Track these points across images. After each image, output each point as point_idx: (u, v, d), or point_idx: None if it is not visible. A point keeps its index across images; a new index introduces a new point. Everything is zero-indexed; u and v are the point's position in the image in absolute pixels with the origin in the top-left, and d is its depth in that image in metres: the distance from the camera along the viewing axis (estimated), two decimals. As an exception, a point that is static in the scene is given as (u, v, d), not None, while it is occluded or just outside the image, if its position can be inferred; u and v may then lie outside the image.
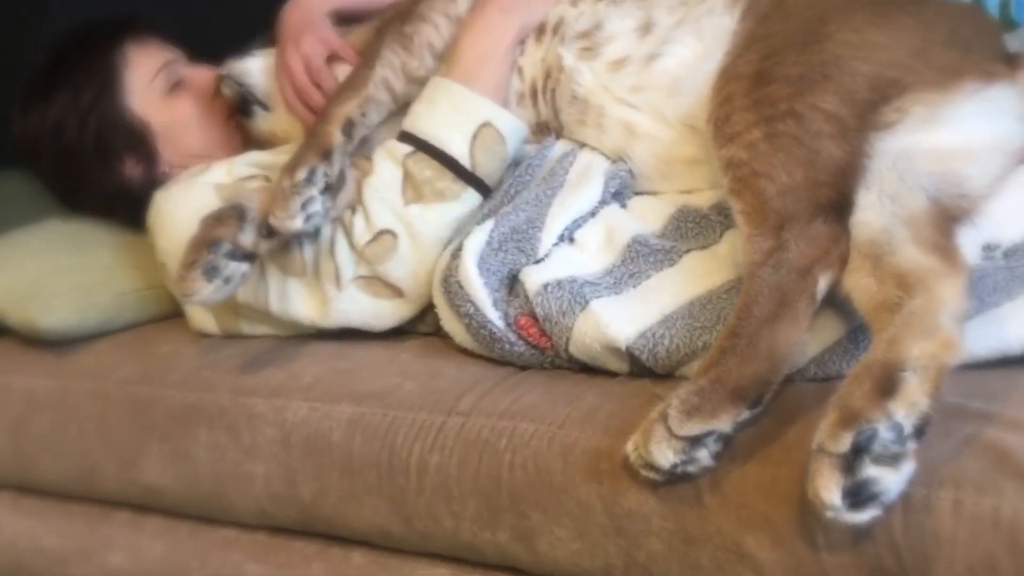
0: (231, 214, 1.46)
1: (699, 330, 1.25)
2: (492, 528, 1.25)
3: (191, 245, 1.44)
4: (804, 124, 1.24)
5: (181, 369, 1.58)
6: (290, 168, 1.46)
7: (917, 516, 0.99)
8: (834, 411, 0.98)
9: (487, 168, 1.51)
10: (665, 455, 1.07)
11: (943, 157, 1.26)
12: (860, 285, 1.14)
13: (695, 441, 1.07)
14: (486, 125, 1.50)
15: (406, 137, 1.52)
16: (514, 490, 1.22)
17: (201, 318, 1.66)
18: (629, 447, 1.11)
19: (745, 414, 1.08)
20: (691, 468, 1.08)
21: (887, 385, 0.98)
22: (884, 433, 0.95)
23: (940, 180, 1.25)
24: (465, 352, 1.46)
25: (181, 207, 1.64)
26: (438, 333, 1.53)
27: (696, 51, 1.47)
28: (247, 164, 1.70)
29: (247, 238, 1.45)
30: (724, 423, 1.07)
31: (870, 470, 0.95)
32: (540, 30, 1.60)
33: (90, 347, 1.71)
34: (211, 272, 1.42)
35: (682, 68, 1.47)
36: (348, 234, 1.51)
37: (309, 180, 1.44)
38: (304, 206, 1.44)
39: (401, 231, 1.49)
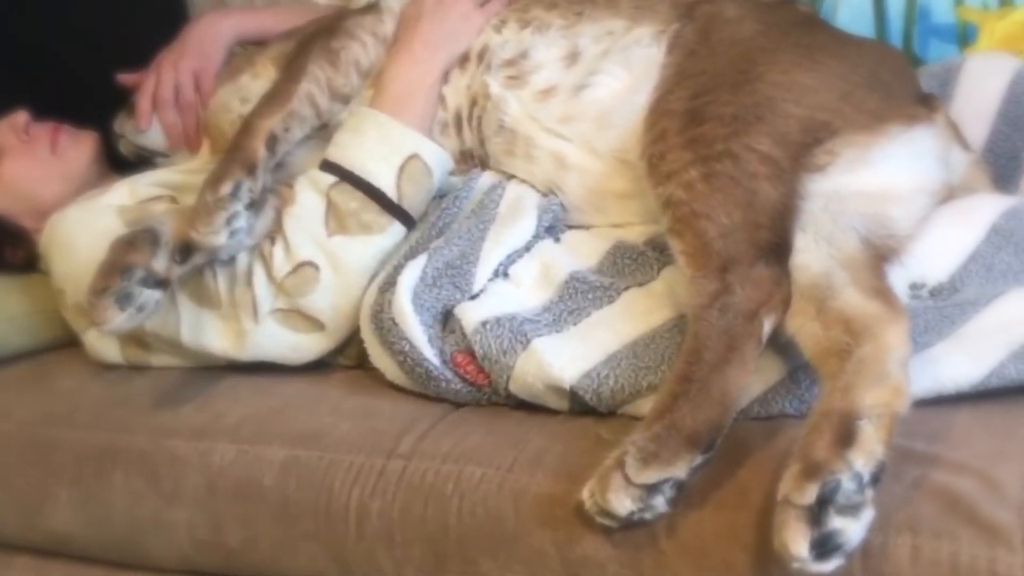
0: (143, 238, 1.41)
1: (643, 370, 1.25)
2: (438, 575, 1.23)
3: (102, 271, 1.38)
4: (741, 165, 1.26)
5: (88, 407, 1.52)
6: (212, 182, 1.42)
7: (875, 562, 1.01)
8: (796, 463, 1.00)
9: (413, 200, 1.49)
10: (623, 503, 1.07)
11: (872, 199, 1.29)
12: (805, 329, 1.16)
13: (652, 488, 1.07)
14: (413, 157, 1.48)
15: (330, 167, 1.49)
16: (462, 536, 1.21)
17: (103, 348, 1.59)
18: (585, 494, 1.10)
19: (699, 459, 1.09)
20: (648, 515, 1.08)
21: (845, 435, 1.00)
22: (847, 484, 0.98)
23: (870, 221, 1.28)
24: (396, 388, 1.43)
25: (81, 231, 1.58)
26: (361, 366, 1.51)
27: (625, 82, 1.47)
28: (151, 184, 1.65)
29: (161, 263, 1.40)
30: (680, 470, 1.08)
31: (835, 521, 0.97)
32: (464, 57, 1.59)
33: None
34: (124, 300, 1.36)
35: (611, 99, 1.47)
36: (267, 265, 1.47)
37: (234, 195, 1.41)
38: (228, 221, 1.40)
39: (323, 263, 1.45)
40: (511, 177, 1.54)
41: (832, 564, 0.97)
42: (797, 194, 1.25)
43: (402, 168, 1.47)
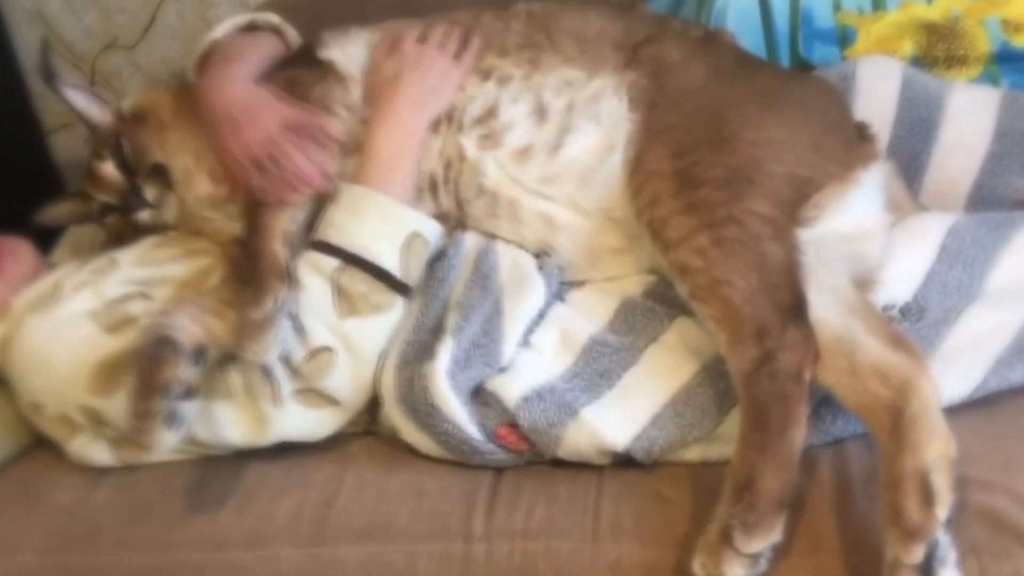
0: (166, 350, 1.39)
1: (688, 427, 1.39)
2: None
3: (139, 395, 1.37)
4: (746, 228, 1.39)
5: (108, 525, 1.48)
6: (253, 299, 1.42)
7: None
8: (894, 527, 1.17)
9: (415, 274, 1.54)
10: (736, 573, 1.22)
11: (851, 240, 1.47)
12: (844, 384, 1.32)
13: (758, 555, 1.23)
14: (415, 235, 1.52)
15: (331, 250, 1.50)
16: (564, 609, 1.32)
17: (93, 453, 1.57)
18: (696, 568, 1.24)
19: (783, 518, 1.25)
20: (753, 576, 1.24)
21: (927, 494, 1.18)
22: (942, 538, 1.16)
23: (852, 261, 1.46)
24: (420, 455, 1.49)
25: (54, 344, 1.53)
26: (366, 431, 1.56)
27: (598, 139, 1.55)
28: (119, 283, 1.60)
29: (189, 372, 1.40)
30: (777, 533, 1.23)
31: (941, 572, 1.15)
32: (435, 122, 1.61)
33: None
34: (171, 419, 1.37)
35: (589, 157, 1.55)
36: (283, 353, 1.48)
37: (278, 310, 1.42)
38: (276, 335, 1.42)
39: (339, 346, 1.48)
40: (493, 237, 1.60)
41: None
42: (797, 250, 1.40)
43: (405, 246, 1.51)
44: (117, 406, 1.47)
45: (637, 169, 1.50)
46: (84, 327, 1.53)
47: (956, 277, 1.49)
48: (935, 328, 1.45)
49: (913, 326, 1.45)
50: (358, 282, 1.49)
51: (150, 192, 1.68)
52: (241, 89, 1.60)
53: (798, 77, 1.66)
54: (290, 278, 1.46)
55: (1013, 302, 1.45)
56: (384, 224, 1.51)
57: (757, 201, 1.41)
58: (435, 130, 1.61)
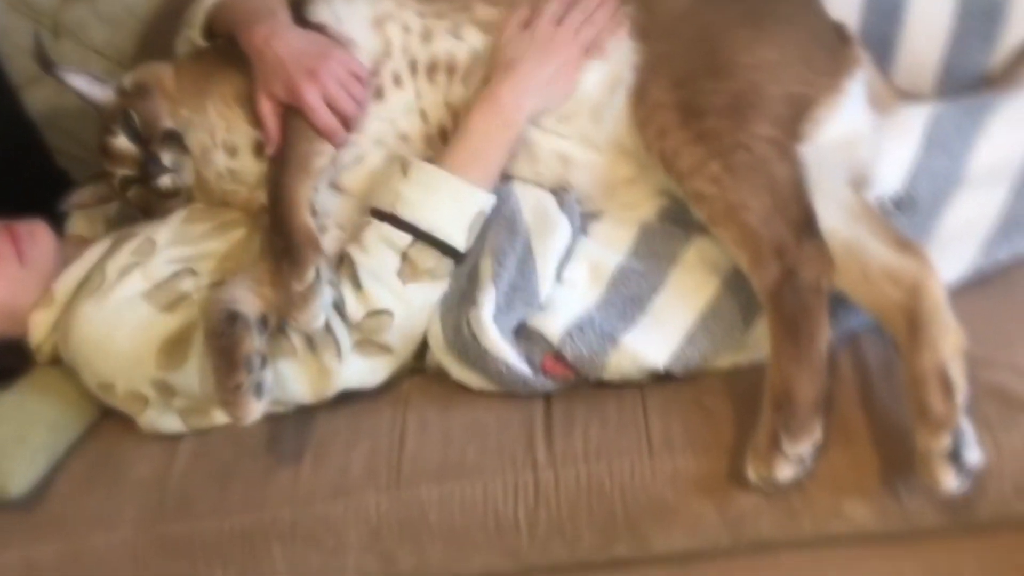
0: (239, 326, 1.49)
1: (719, 340, 1.53)
2: (608, 547, 1.51)
3: (224, 371, 1.47)
4: (754, 153, 1.49)
5: (198, 493, 1.61)
6: (293, 272, 1.50)
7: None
8: (922, 421, 1.33)
9: (472, 243, 1.62)
10: (786, 473, 1.38)
11: (846, 147, 1.58)
12: (858, 288, 1.45)
13: (803, 455, 1.39)
14: (480, 213, 1.60)
15: (402, 224, 1.57)
16: (629, 519, 1.47)
17: (164, 423, 1.68)
18: (750, 473, 1.40)
19: (821, 419, 1.41)
20: (802, 473, 1.40)
21: (947, 387, 1.33)
22: (964, 425, 1.33)
23: (849, 168, 1.57)
24: (468, 391, 1.62)
25: (115, 328, 1.63)
26: (415, 368, 1.68)
27: (607, 72, 1.63)
28: (166, 262, 1.67)
29: (260, 343, 1.50)
30: (819, 432, 1.39)
31: (966, 455, 1.33)
32: (432, 70, 1.67)
33: (54, 498, 1.67)
34: (258, 390, 1.48)
35: (600, 93, 1.63)
36: (340, 311, 1.57)
37: (319, 278, 1.51)
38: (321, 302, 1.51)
39: (399, 309, 1.58)
40: (509, 178, 1.68)
41: (970, 479, 1.34)
42: (801, 165, 1.51)
43: (472, 225, 1.59)
44: (187, 377, 1.59)
45: (641, 101, 1.58)
46: (142, 309, 1.61)
47: (942, 165, 1.61)
48: (928, 217, 1.58)
49: (909, 218, 1.58)
50: (427, 257, 1.56)
51: (167, 157, 1.71)
52: (301, 38, 1.64)
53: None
54: (319, 247, 1.53)
55: (992, 184, 1.58)
56: (457, 203, 1.57)
57: (761, 124, 1.51)
58: (432, 80, 1.67)
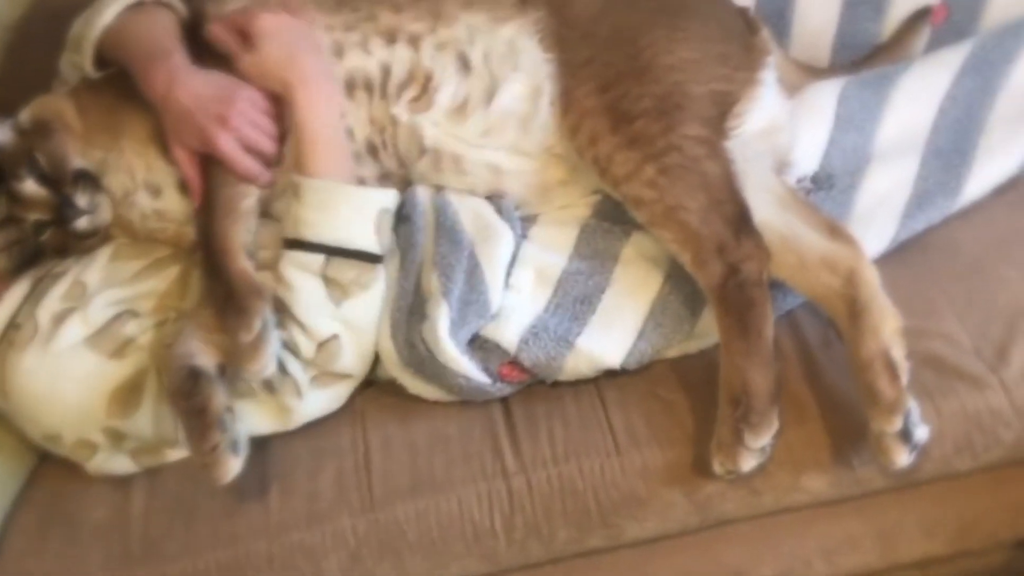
0: (201, 383, 1.49)
1: (669, 334, 1.59)
2: (583, 541, 1.58)
3: (197, 433, 1.47)
4: (685, 153, 1.54)
5: (162, 533, 1.59)
6: (239, 323, 1.49)
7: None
8: (874, 405, 1.42)
9: (387, 243, 1.63)
10: (750, 464, 1.47)
11: (766, 135, 1.64)
12: (797, 277, 1.53)
13: (765, 446, 1.47)
14: (383, 211, 1.60)
15: (311, 247, 1.56)
16: (603, 513, 1.54)
17: (115, 465, 1.65)
18: (716, 467, 1.47)
19: (778, 408, 1.49)
20: (765, 461, 1.49)
21: (892, 370, 1.43)
22: (911, 405, 1.43)
23: (772, 155, 1.64)
24: (424, 401, 1.64)
25: (64, 380, 1.58)
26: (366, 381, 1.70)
27: (525, 84, 1.64)
28: (104, 306, 1.62)
29: (224, 397, 1.50)
30: (776, 423, 1.47)
31: (916, 432, 1.43)
32: (350, 87, 1.65)
33: (10, 555, 1.61)
34: (234, 447, 1.48)
35: (522, 104, 1.64)
36: (292, 351, 1.57)
37: (266, 326, 1.50)
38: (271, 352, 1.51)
39: (342, 331, 1.58)
40: (441, 188, 1.69)
41: (918, 452, 1.44)
42: (730, 161, 1.57)
43: (377, 224, 1.59)
44: (140, 422, 1.57)
45: (568, 108, 1.60)
46: (88, 357, 1.57)
47: (852, 140, 1.69)
48: (846, 193, 1.66)
49: (828, 194, 1.66)
50: (346, 270, 1.57)
51: (81, 199, 1.64)
52: (203, 82, 1.58)
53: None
54: (266, 290, 1.53)
55: (903, 157, 1.67)
56: (355, 211, 1.57)
57: (689, 125, 1.55)
58: (353, 98, 1.65)
